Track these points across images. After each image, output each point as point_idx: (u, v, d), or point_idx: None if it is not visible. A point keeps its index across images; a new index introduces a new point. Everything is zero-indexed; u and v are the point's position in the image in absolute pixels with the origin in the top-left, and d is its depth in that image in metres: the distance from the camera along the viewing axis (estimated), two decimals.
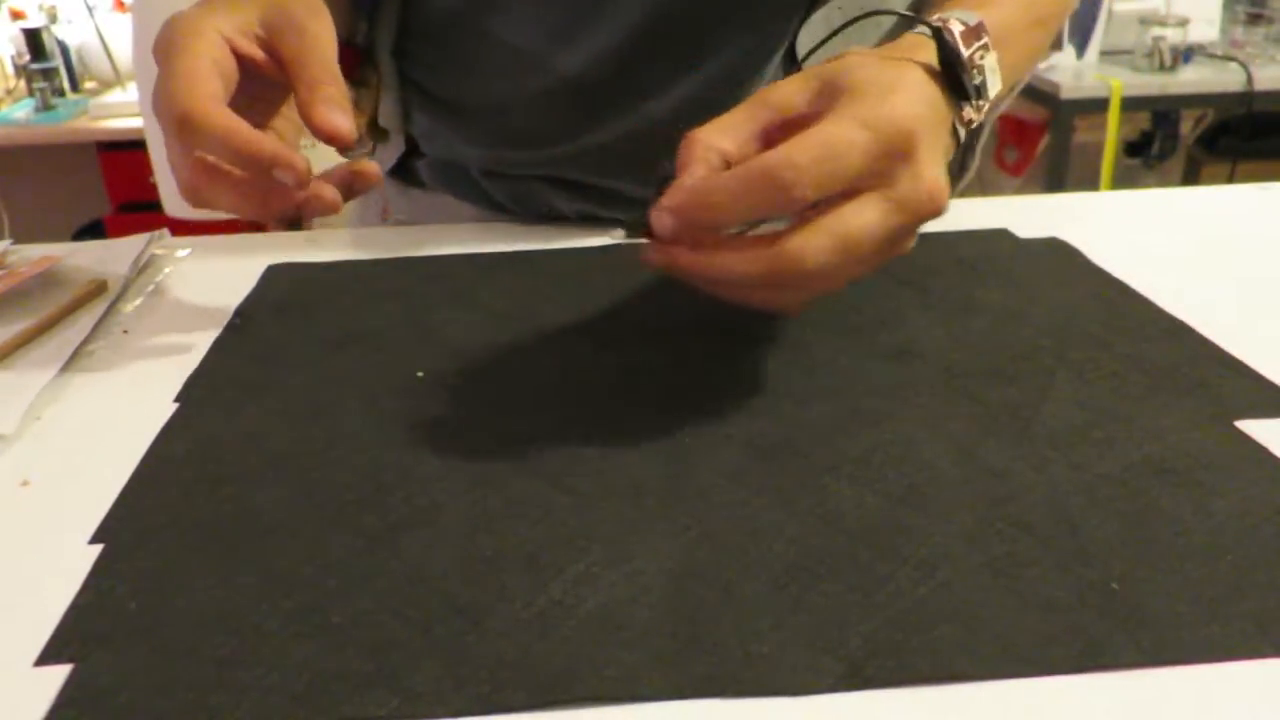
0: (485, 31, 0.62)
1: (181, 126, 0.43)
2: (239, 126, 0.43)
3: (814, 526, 0.35)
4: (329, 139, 0.45)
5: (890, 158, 0.38)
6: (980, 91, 0.44)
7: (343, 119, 0.45)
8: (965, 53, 0.43)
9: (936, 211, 0.39)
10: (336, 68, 0.46)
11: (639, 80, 0.61)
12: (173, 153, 0.45)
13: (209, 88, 0.44)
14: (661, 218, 0.38)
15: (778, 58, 0.62)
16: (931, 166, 0.39)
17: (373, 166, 0.48)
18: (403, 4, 0.65)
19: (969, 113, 0.44)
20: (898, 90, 0.39)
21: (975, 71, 0.44)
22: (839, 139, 0.37)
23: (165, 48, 0.45)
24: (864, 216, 0.38)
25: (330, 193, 0.46)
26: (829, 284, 0.39)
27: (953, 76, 0.43)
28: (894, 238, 0.39)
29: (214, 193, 0.45)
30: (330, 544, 0.35)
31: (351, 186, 0.49)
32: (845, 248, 0.37)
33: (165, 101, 0.43)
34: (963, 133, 0.44)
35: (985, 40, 0.45)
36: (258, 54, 0.47)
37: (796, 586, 0.32)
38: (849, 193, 0.38)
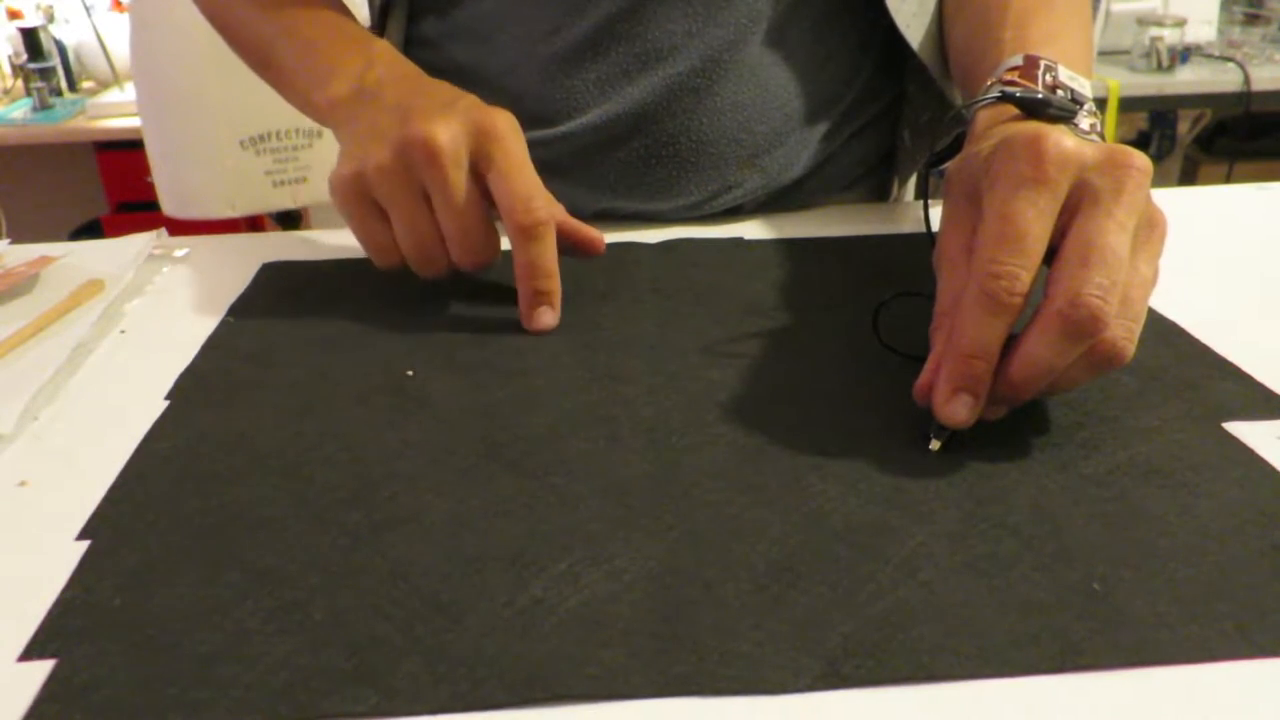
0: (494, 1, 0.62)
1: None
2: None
3: (797, 526, 0.35)
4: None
5: (1056, 187, 0.37)
6: (1076, 98, 0.44)
7: (551, 319, 0.51)
8: (1040, 91, 0.44)
9: (1139, 166, 0.38)
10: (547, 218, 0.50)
11: (654, 38, 0.60)
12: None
13: None
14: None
15: (801, 5, 0.62)
16: (1078, 145, 0.38)
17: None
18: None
19: (1084, 121, 0.43)
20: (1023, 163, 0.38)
21: (1061, 91, 0.44)
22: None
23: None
24: (1091, 220, 0.37)
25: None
26: (1121, 293, 0.37)
27: (1044, 113, 0.43)
28: (1126, 207, 0.37)
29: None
30: (315, 541, 0.35)
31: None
32: (1100, 257, 0.36)
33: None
34: (1098, 126, 0.44)
35: (1043, 62, 0.46)
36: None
37: (778, 586, 0.32)
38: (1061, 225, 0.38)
